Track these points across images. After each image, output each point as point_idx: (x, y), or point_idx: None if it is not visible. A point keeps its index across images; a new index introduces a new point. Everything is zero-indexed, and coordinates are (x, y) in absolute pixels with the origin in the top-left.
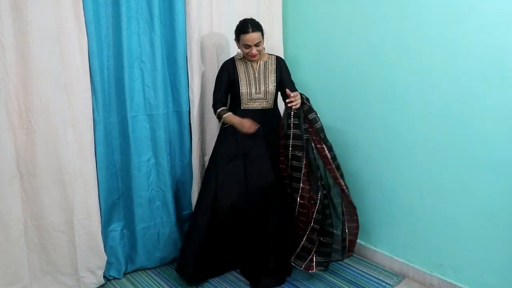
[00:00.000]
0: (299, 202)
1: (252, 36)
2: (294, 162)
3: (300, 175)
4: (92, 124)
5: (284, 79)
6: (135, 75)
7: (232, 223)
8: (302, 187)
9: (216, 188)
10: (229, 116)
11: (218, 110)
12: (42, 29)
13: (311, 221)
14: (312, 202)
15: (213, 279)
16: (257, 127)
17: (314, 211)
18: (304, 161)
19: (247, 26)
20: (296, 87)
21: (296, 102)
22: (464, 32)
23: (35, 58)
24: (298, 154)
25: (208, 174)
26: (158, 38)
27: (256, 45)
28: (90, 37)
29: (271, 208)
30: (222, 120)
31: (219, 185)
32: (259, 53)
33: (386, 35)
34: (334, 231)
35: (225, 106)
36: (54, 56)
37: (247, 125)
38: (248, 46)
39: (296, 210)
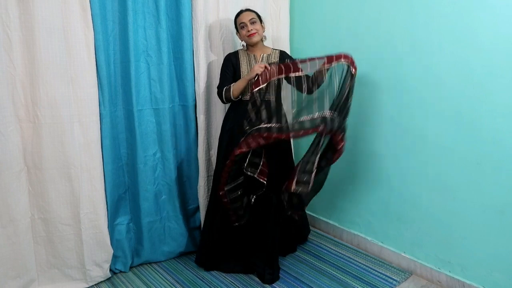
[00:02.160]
0: None
1: (246, 14)
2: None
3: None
4: (99, 118)
5: None
6: (141, 69)
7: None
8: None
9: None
10: (236, 83)
11: (225, 89)
12: (48, 23)
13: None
14: None
15: (218, 272)
16: (267, 64)
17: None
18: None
19: (240, 10)
20: None
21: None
22: (475, 27)
23: (41, 52)
24: None
25: (215, 175)
26: (164, 32)
27: (251, 22)
28: (96, 31)
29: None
30: (231, 93)
31: None
32: (258, 35)
33: (395, 29)
34: None
35: None
36: (60, 49)
37: (257, 69)
38: (244, 25)
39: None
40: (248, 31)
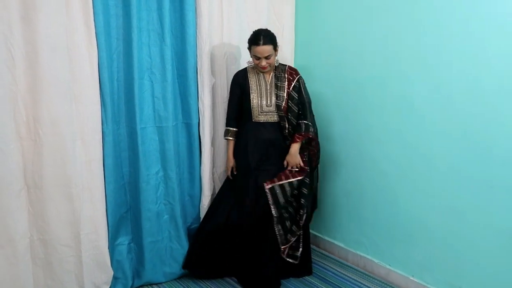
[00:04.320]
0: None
1: (263, 49)
2: None
3: None
4: (101, 136)
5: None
6: (145, 86)
7: (238, 231)
8: None
9: (231, 198)
10: (230, 145)
11: (226, 128)
12: (51, 40)
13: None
14: None
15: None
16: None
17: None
18: None
19: (258, 38)
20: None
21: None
22: (485, 46)
23: (44, 69)
24: None
25: (225, 184)
26: (169, 50)
27: (267, 58)
28: (100, 48)
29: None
30: (228, 137)
31: (234, 196)
32: (270, 66)
33: (403, 47)
34: None
35: (237, 122)
36: (63, 67)
37: (228, 167)
38: (258, 58)
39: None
40: (262, 64)
